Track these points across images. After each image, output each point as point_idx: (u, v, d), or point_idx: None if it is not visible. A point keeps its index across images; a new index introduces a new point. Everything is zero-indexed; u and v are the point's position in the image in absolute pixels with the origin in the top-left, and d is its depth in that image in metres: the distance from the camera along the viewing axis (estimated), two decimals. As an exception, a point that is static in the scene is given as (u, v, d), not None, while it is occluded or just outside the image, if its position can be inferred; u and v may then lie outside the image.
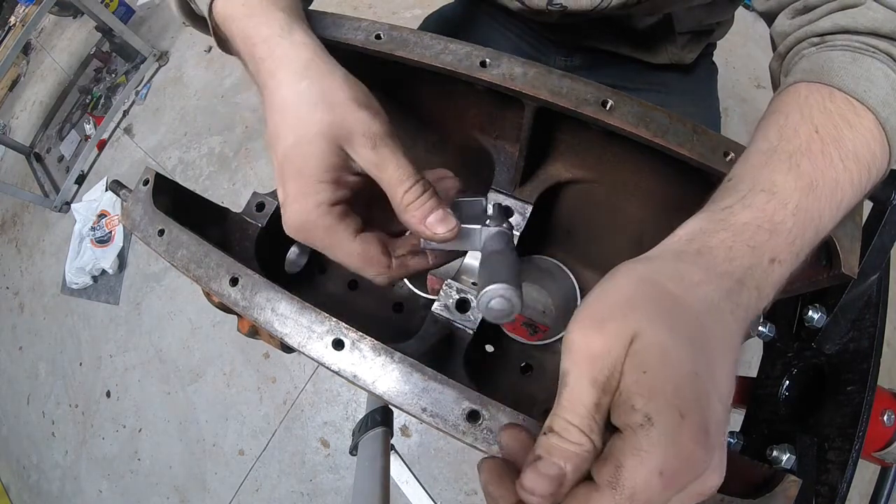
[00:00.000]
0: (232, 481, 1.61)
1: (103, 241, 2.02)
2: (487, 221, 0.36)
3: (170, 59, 2.36)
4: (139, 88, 2.33)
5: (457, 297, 0.47)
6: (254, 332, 0.54)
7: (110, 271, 1.97)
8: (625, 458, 0.23)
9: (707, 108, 0.79)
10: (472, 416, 0.31)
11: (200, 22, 0.45)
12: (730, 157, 0.38)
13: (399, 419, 1.43)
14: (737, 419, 0.47)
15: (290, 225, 0.34)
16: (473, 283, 0.50)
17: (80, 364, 1.93)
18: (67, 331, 2.00)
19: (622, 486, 0.22)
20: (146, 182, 0.44)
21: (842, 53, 0.35)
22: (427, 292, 0.60)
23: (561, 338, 0.59)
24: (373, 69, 0.46)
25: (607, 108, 0.39)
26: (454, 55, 0.42)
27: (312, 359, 0.34)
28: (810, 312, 0.44)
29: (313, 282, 0.62)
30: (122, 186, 0.55)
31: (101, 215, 2.07)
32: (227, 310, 0.43)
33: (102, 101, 2.36)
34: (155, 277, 1.93)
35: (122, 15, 2.45)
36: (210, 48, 2.28)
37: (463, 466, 1.43)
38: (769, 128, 0.33)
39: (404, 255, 0.37)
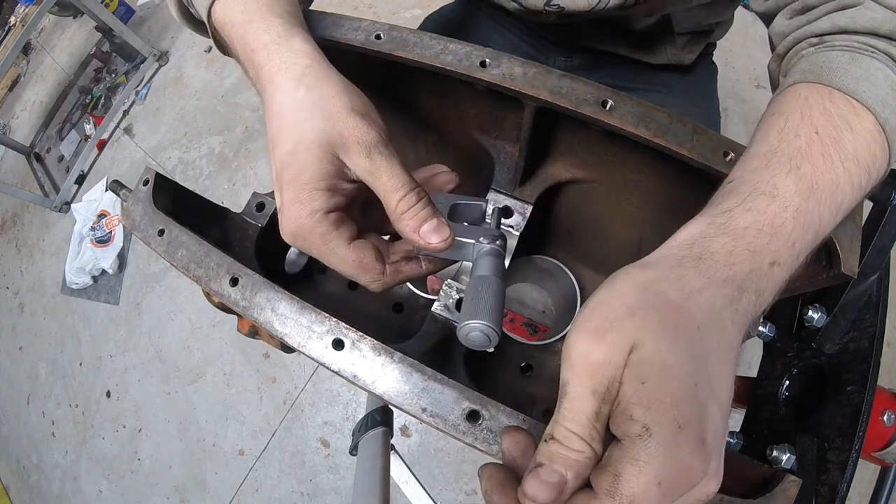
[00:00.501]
0: (232, 481, 1.60)
1: (103, 241, 2.02)
2: (481, 238, 0.36)
3: (170, 59, 2.36)
4: (139, 88, 2.33)
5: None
6: (254, 332, 0.54)
7: (110, 271, 1.97)
8: (623, 467, 0.23)
9: (707, 108, 0.79)
10: (472, 416, 0.31)
11: (200, 26, 0.45)
12: (730, 157, 0.37)
13: (399, 419, 1.43)
14: (737, 419, 0.47)
15: (285, 231, 0.34)
16: None
17: (80, 364, 1.93)
18: (67, 331, 2.00)
19: (620, 494, 0.23)
20: (146, 182, 0.44)
21: (841, 53, 0.35)
22: (427, 292, 0.60)
23: (561, 338, 0.59)
24: (373, 69, 0.46)
25: (607, 108, 0.39)
26: (454, 55, 0.42)
27: (312, 359, 0.34)
28: (810, 312, 0.44)
29: (313, 282, 0.62)
30: (122, 186, 0.55)
31: (101, 215, 2.07)
32: (227, 310, 0.43)
33: (102, 101, 2.36)
34: (155, 277, 1.93)
35: (122, 15, 2.45)
36: (210, 48, 2.29)
37: (463, 466, 1.43)
38: (769, 129, 0.33)
39: (398, 262, 0.37)
